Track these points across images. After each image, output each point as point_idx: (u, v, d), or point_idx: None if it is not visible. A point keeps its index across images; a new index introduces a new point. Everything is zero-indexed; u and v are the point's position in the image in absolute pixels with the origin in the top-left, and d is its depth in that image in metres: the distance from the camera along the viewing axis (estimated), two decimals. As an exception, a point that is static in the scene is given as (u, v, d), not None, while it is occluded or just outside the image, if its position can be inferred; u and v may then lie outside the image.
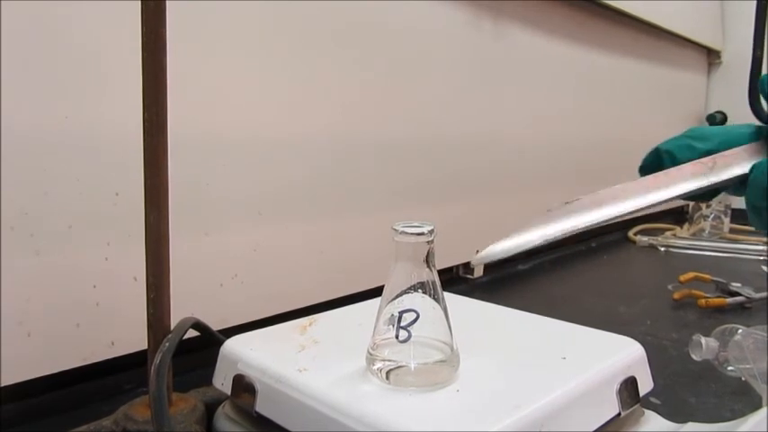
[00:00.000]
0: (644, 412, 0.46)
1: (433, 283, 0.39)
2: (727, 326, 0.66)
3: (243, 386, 0.43)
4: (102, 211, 0.59)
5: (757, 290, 0.96)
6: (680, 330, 0.84)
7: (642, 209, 0.34)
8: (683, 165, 0.36)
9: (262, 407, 0.42)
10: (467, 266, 1.12)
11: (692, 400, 0.62)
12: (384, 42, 0.88)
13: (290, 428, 0.40)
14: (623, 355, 0.45)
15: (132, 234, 0.53)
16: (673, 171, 0.36)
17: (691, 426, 0.45)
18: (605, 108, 1.51)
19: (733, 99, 1.93)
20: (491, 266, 1.14)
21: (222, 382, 0.46)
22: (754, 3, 0.38)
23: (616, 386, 0.42)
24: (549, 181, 1.29)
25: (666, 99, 1.83)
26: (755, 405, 0.56)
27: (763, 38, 0.38)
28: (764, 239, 1.45)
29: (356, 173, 0.86)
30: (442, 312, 0.40)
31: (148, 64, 0.43)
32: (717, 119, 1.99)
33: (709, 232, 1.60)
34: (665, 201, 0.34)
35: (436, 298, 0.39)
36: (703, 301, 0.94)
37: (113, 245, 0.60)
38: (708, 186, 0.35)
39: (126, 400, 0.48)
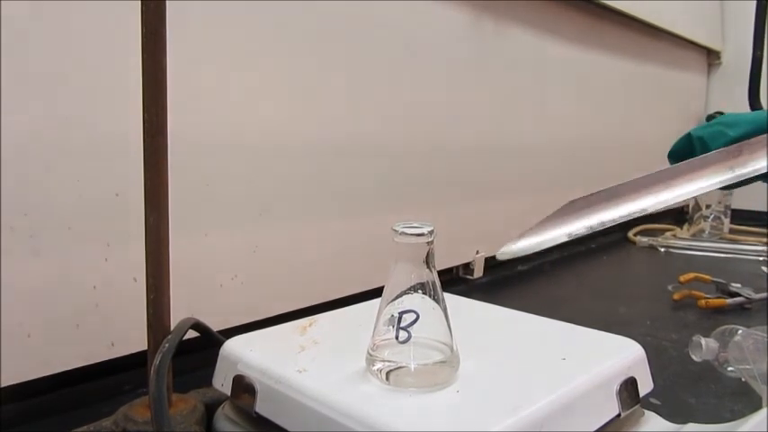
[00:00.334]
0: (644, 413, 0.46)
1: (433, 283, 0.39)
2: (727, 326, 0.66)
3: (243, 387, 0.43)
4: (102, 212, 0.59)
5: (757, 290, 0.96)
6: (680, 331, 0.83)
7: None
8: (709, 155, 0.36)
9: (261, 407, 0.42)
10: (467, 267, 1.12)
11: (692, 400, 0.62)
12: (385, 43, 0.88)
13: (289, 429, 0.40)
14: (623, 355, 0.45)
15: (132, 235, 0.53)
16: (696, 161, 0.35)
17: (691, 426, 0.45)
18: (605, 109, 1.51)
19: (733, 99, 1.92)
20: (491, 267, 1.14)
21: (222, 382, 0.46)
22: (754, 3, 0.39)
23: (616, 387, 0.42)
24: (549, 182, 1.29)
25: (666, 100, 1.83)
26: (755, 406, 0.56)
27: (763, 38, 0.39)
28: (764, 240, 1.45)
29: (356, 173, 0.86)
30: (441, 313, 0.40)
31: (148, 64, 0.43)
32: (717, 119, 1.99)
33: (709, 233, 1.60)
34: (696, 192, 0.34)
35: (436, 299, 0.39)
36: (703, 301, 0.94)
37: (113, 246, 0.60)
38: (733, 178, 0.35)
39: (126, 400, 0.48)
